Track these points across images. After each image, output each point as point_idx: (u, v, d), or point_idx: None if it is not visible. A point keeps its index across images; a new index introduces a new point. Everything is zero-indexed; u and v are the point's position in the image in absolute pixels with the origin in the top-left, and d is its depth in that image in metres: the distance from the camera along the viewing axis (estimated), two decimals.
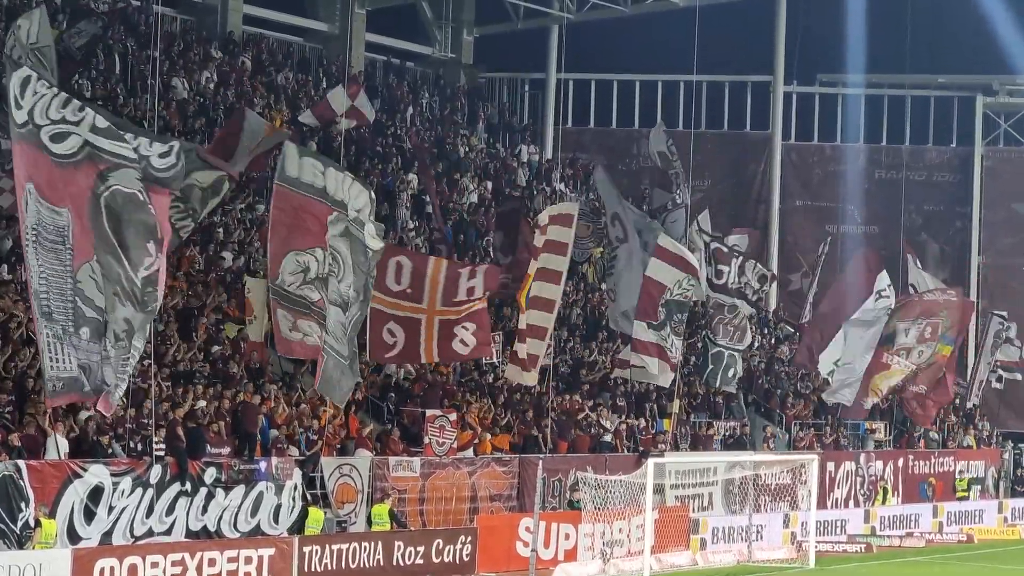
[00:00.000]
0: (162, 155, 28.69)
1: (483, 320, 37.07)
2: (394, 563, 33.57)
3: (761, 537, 42.12)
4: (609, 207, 45.31)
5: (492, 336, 42.03)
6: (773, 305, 63.69)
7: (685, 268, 42.43)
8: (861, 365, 48.59)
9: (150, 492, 31.09)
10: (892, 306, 49.18)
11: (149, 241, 28.26)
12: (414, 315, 36.35)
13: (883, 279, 49.13)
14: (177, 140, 29.81)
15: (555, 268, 38.88)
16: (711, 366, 45.53)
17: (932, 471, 54.03)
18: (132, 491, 30.78)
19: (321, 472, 34.80)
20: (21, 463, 29.07)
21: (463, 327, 36.66)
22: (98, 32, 42.59)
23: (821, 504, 45.04)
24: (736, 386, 47.82)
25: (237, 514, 32.85)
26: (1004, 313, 57.85)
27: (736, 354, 45.70)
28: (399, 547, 33.77)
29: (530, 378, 39.20)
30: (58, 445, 30.09)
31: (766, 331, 59.23)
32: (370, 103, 51.31)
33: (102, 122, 28.12)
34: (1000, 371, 58.44)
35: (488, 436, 39.99)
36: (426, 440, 37.84)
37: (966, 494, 53.77)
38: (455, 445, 38.36)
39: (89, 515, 30.13)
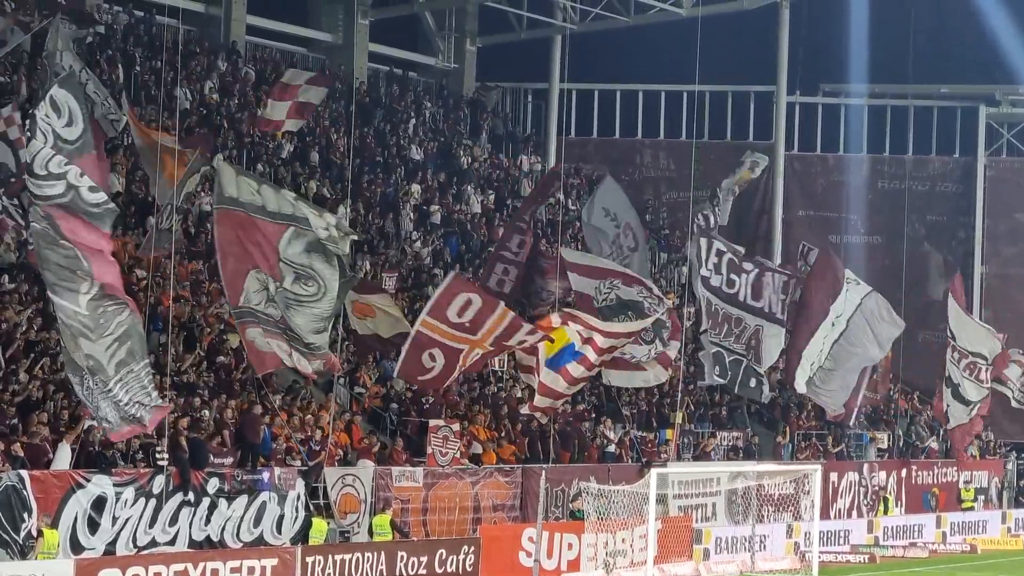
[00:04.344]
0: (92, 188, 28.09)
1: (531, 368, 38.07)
2: (397, 573, 33.53)
3: (764, 547, 42.08)
4: (621, 216, 45.67)
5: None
6: None
7: (600, 275, 42.89)
8: (850, 369, 48.00)
9: (153, 502, 31.09)
10: (865, 293, 48.77)
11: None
12: (459, 344, 36.10)
13: (849, 273, 48.90)
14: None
15: None
16: (734, 374, 46.03)
17: (935, 481, 53.98)
18: (135, 501, 30.78)
19: (324, 482, 34.81)
20: (24, 473, 29.07)
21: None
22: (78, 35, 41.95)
23: (824, 514, 44.95)
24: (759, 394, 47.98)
25: (240, 524, 32.85)
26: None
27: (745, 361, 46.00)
28: (402, 557, 33.74)
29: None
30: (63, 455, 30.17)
31: None
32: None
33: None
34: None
35: (491, 447, 40.02)
36: (429, 450, 37.85)
37: (972, 504, 53.71)
38: (458, 455, 38.37)
39: (92, 525, 30.14)
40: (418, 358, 35.75)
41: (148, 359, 28.84)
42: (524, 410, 40.60)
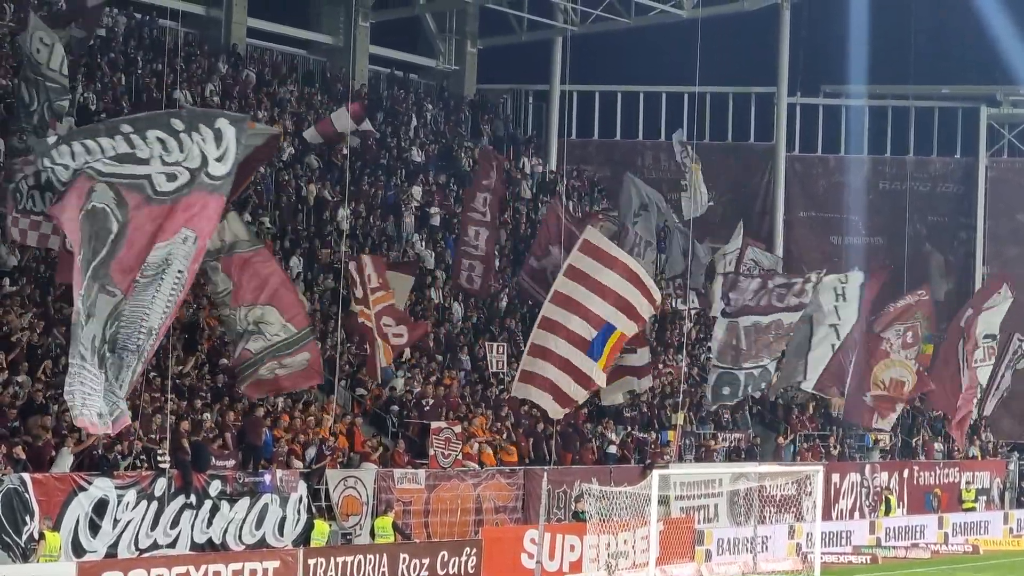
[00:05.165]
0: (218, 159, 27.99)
1: (396, 313, 38.78)
2: (399, 575, 33.55)
3: (766, 548, 42.10)
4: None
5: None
6: None
7: None
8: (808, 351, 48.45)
9: (155, 505, 31.12)
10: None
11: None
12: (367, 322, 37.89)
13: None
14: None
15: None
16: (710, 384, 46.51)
17: (937, 482, 53.98)
18: (137, 504, 30.80)
19: (326, 484, 34.83)
20: (26, 476, 29.09)
21: (384, 325, 38.02)
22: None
23: (826, 515, 45.02)
24: (735, 400, 47.86)
25: (242, 527, 32.88)
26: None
27: (737, 372, 46.04)
28: (404, 559, 33.76)
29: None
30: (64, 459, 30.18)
31: None
32: (368, 120, 51.01)
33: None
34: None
35: (489, 449, 39.99)
36: (431, 452, 37.85)
37: (973, 505, 53.70)
38: (460, 457, 38.37)
39: (94, 528, 30.16)
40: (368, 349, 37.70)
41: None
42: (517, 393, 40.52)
